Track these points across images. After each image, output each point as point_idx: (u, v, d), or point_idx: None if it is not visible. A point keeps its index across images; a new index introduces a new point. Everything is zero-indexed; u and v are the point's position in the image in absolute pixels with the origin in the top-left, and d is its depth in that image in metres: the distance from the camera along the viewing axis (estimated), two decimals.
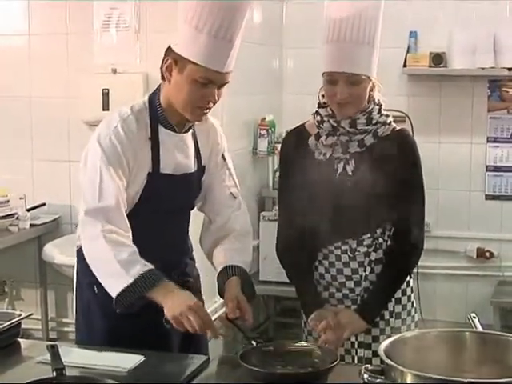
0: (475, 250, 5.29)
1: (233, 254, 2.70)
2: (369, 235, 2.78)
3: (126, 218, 2.51)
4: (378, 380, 1.86)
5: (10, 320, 2.59)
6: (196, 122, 2.68)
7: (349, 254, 2.79)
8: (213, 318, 2.55)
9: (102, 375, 2.25)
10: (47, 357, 2.25)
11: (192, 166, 2.71)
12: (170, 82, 2.55)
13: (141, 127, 2.58)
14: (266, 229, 4.82)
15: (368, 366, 1.91)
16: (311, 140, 2.77)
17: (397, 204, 2.69)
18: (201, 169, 2.75)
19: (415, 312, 2.90)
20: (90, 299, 2.70)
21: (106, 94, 4.54)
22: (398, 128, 2.80)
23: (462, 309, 5.09)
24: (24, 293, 5.00)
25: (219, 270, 2.69)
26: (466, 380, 1.78)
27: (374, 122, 2.72)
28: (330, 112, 2.74)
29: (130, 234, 2.50)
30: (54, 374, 2.13)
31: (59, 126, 4.75)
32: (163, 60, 2.55)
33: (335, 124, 2.72)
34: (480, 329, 2.18)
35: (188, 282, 2.72)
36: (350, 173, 2.72)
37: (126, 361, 2.40)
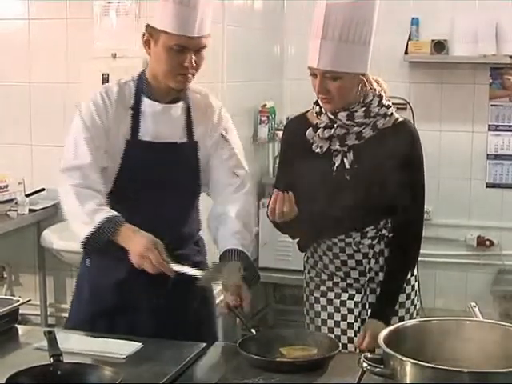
0: (475, 238, 5.29)
1: (233, 237, 2.68)
2: (372, 227, 2.76)
3: (99, 174, 2.61)
4: (378, 369, 1.85)
5: (8, 306, 2.59)
6: (191, 98, 2.76)
7: (353, 246, 2.77)
8: None
9: (99, 362, 2.24)
10: (44, 343, 2.24)
11: (177, 137, 2.73)
12: (149, 55, 2.66)
13: (123, 97, 2.69)
14: (266, 216, 4.77)
15: (367, 354, 1.90)
16: (309, 132, 2.73)
17: (396, 198, 2.64)
18: (192, 143, 2.76)
19: (417, 301, 2.89)
20: (84, 272, 2.80)
21: (105, 79, 4.52)
22: (400, 120, 2.75)
23: (461, 297, 5.08)
24: (23, 278, 4.99)
25: (220, 254, 2.67)
26: (465, 370, 1.77)
27: (372, 114, 2.67)
28: None
29: (103, 189, 2.60)
30: (51, 360, 2.13)
31: (58, 111, 4.73)
32: (142, 35, 2.65)
33: (332, 116, 2.69)
34: (480, 318, 2.17)
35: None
36: (348, 166, 2.69)
37: (123, 348, 2.39)
